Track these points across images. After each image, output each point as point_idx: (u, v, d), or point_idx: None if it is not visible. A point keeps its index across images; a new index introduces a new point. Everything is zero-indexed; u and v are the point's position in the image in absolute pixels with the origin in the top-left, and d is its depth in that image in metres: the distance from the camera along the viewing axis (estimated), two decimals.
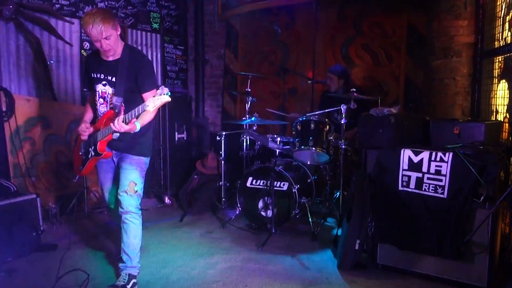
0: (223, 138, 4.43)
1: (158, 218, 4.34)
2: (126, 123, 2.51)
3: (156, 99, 2.35)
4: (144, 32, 5.57)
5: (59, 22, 4.48)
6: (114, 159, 2.87)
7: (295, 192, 3.75)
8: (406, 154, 2.87)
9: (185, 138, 5.05)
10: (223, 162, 4.52)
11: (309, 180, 4.09)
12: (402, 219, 2.89)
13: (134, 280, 2.75)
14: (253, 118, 4.26)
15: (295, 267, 3.13)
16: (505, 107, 3.19)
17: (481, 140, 2.80)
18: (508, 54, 3.13)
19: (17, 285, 2.83)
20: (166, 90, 2.35)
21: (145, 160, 2.86)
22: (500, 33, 3.36)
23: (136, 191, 2.74)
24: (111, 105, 2.73)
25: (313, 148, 3.78)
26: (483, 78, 3.68)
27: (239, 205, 4.06)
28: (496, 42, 3.44)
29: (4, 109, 3.92)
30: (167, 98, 2.35)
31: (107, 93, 2.76)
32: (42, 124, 4.24)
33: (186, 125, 5.11)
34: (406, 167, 2.87)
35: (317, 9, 5.20)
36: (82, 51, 4.71)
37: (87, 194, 4.36)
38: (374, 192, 3.00)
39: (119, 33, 2.66)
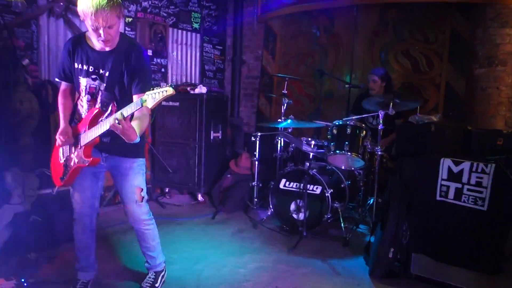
0: (258, 138, 4.47)
1: (191, 215, 4.42)
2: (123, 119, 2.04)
3: (155, 93, 1.94)
4: (184, 32, 5.69)
5: None
6: (103, 163, 2.47)
7: (328, 196, 3.74)
8: (446, 163, 2.81)
9: (220, 137, 5.11)
10: (256, 162, 4.55)
11: (342, 185, 4.06)
12: (438, 230, 2.83)
13: (162, 274, 2.75)
14: (288, 121, 4.27)
15: (326, 271, 3.12)
16: None
17: None
18: None
19: (57, 272, 2.96)
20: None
21: (143, 161, 2.56)
22: None
23: (143, 197, 2.52)
24: (98, 103, 2.35)
25: (349, 153, 3.75)
26: None
27: (271, 206, 4.08)
28: None
29: (50, 102, 4.10)
30: (170, 91, 1.94)
31: (96, 88, 2.34)
32: None
33: (222, 124, 5.17)
34: (445, 177, 2.81)
35: (358, 13, 5.16)
36: None
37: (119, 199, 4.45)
38: (410, 201, 2.96)
39: (121, 22, 2.33)
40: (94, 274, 2.71)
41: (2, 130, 3.57)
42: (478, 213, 2.68)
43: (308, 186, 3.80)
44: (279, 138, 4.47)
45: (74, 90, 2.46)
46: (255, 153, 4.54)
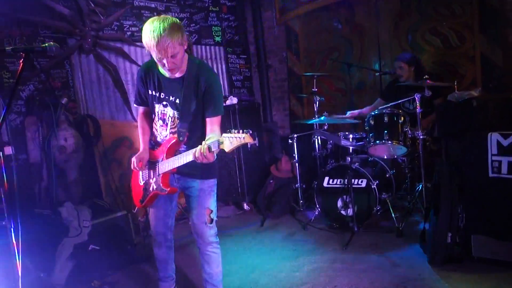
0: (295, 140, 4.46)
1: (240, 225, 4.46)
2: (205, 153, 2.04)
3: (233, 137, 1.91)
4: (207, 47, 5.78)
5: (131, 47, 4.82)
6: (176, 183, 2.49)
7: (374, 188, 3.67)
8: (494, 138, 2.69)
9: (257, 144, 5.12)
10: (297, 164, 4.54)
11: (387, 175, 3.98)
12: (496, 208, 2.72)
13: None
14: (322, 118, 4.23)
15: (384, 264, 3.05)
16: None
17: None
18: None
19: None
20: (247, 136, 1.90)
21: (215, 181, 2.52)
22: None
23: (212, 220, 2.46)
24: (174, 129, 2.37)
25: (389, 142, 3.67)
26: None
27: (317, 206, 4.05)
28: None
29: (92, 134, 4.28)
30: (248, 139, 1.90)
31: (167, 115, 2.38)
32: (125, 144, 4.55)
33: (257, 131, 5.17)
34: (495, 152, 2.70)
35: None
36: None
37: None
38: (461, 182, 2.85)
39: (186, 47, 2.23)
40: (173, 283, 2.78)
41: (52, 167, 3.77)
42: None
43: (353, 180, 3.74)
44: (316, 136, 4.44)
45: (151, 113, 2.51)
46: (294, 155, 4.54)
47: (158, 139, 2.48)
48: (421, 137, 3.62)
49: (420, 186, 3.82)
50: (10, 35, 3.86)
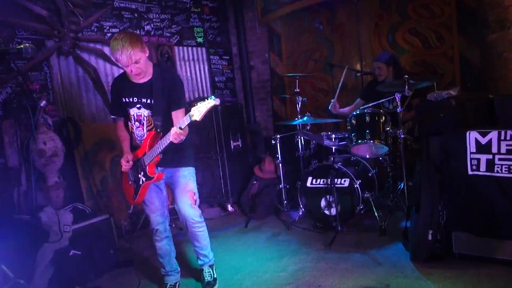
0: (278, 141, 4.46)
1: (224, 227, 4.44)
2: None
3: (200, 106, 2.33)
4: (190, 48, 5.75)
5: None
6: (163, 177, 2.84)
7: (357, 187, 3.70)
8: (472, 136, 2.74)
9: (240, 146, 5.13)
10: (280, 164, 4.55)
11: (370, 174, 4.02)
12: (475, 205, 2.77)
13: (214, 266, 3.04)
14: (305, 118, 4.25)
15: (367, 263, 3.08)
16: None
17: None
18: None
19: None
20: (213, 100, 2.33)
21: (193, 169, 2.93)
22: None
23: (196, 200, 2.85)
24: (150, 127, 2.73)
25: (371, 141, 3.71)
26: None
27: (301, 206, 4.06)
28: None
29: (72, 137, 4.21)
30: (212, 102, 2.32)
31: (142, 115, 2.74)
32: (107, 147, 4.49)
33: (240, 132, 5.19)
34: (474, 150, 2.74)
35: (358, 0, 5.11)
36: None
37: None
38: (441, 180, 2.89)
39: (147, 55, 2.62)
40: (179, 276, 3.05)
41: (31, 171, 3.69)
42: None
43: (336, 180, 3.76)
44: (299, 137, 4.46)
45: (127, 123, 2.87)
46: (277, 155, 4.54)
47: (137, 141, 2.82)
48: (402, 136, 3.66)
49: (402, 184, 3.86)
50: None
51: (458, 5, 4.53)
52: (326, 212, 3.87)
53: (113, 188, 4.52)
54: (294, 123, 4.35)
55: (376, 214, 3.75)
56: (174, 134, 2.44)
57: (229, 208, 5.00)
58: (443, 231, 2.90)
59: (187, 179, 2.82)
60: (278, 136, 4.48)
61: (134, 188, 2.82)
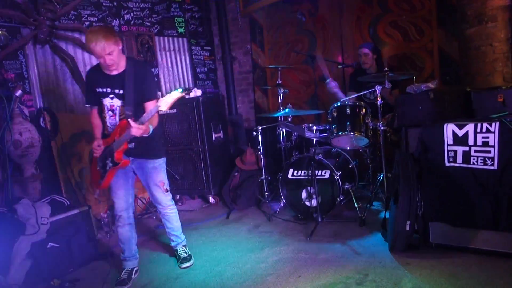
0: (259, 132, 4.46)
1: (205, 218, 4.43)
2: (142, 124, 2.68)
3: (167, 97, 2.56)
4: (170, 38, 5.68)
5: None
6: (131, 165, 3.03)
7: (337, 179, 3.73)
8: (450, 128, 2.79)
9: (222, 137, 5.11)
10: (262, 156, 4.55)
11: (350, 166, 4.05)
12: (452, 196, 2.82)
13: (186, 245, 3.34)
14: (287, 110, 4.25)
15: (347, 253, 3.12)
16: None
17: None
18: None
19: None
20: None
21: (164, 160, 3.13)
22: None
23: (167, 189, 3.11)
24: (123, 116, 2.86)
25: (351, 133, 3.74)
26: None
27: (282, 198, 4.08)
28: None
29: (49, 128, 4.12)
30: (177, 94, 2.56)
31: (115, 105, 2.90)
32: (86, 138, 4.41)
33: (222, 124, 5.17)
34: (451, 142, 2.79)
35: None
36: None
37: (135, 201, 4.51)
38: (419, 171, 2.94)
39: (120, 47, 2.78)
40: (136, 262, 3.18)
41: (6, 163, 3.60)
42: (490, 173, 2.66)
43: (316, 172, 3.79)
44: (281, 128, 4.46)
45: (101, 111, 2.98)
46: (258, 147, 4.54)
47: (109, 129, 2.96)
48: (382, 128, 3.70)
49: (382, 176, 3.91)
50: None
51: None
52: (307, 203, 3.89)
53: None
54: (276, 115, 4.35)
55: (356, 205, 3.79)
56: (134, 128, 2.64)
57: (211, 199, 4.99)
58: (420, 221, 2.95)
59: (157, 171, 3.05)
60: (260, 127, 4.47)
61: (101, 173, 2.96)
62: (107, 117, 2.94)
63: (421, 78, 4.52)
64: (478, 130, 2.69)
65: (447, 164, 2.82)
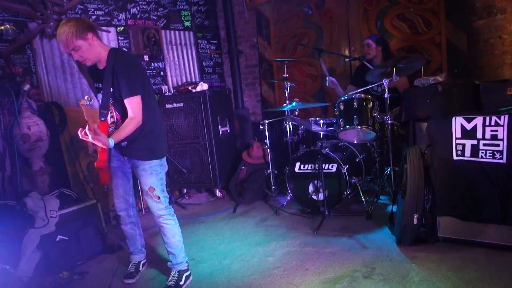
0: (266, 126, 4.46)
1: (212, 212, 4.45)
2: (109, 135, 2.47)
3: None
4: (177, 32, 5.66)
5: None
6: (128, 164, 2.81)
7: (344, 172, 3.73)
8: (458, 122, 2.77)
9: (228, 131, 5.12)
10: (268, 150, 4.55)
11: (357, 159, 4.05)
12: (460, 189, 2.81)
13: (186, 274, 2.83)
14: (293, 103, 4.24)
15: (354, 247, 3.12)
16: None
17: None
18: None
19: (91, 286, 3.02)
20: None
21: (158, 162, 2.74)
22: None
23: (159, 196, 2.72)
24: (112, 115, 2.69)
25: (359, 127, 3.72)
26: None
27: (289, 191, 4.08)
28: None
29: (57, 122, 4.14)
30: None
31: None
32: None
33: (228, 118, 5.17)
34: (459, 135, 2.78)
35: None
36: None
37: (142, 194, 4.53)
38: (427, 165, 2.93)
39: (92, 40, 2.51)
40: (144, 256, 3.14)
41: (15, 156, 3.63)
42: (498, 167, 2.65)
43: (323, 165, 3.79)
44: (287, 122, 4.46)
45: None
46: (265, 141, 4.54)
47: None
48: (389, 121, 3.68)
49: (389, 169, 3.90)
50: None
51: None
52: (314, 197, 3.90)
53: None
54: (283, 109, 4.34)
55: (363, 198, 3.79)
56: (92, 135, 2.31)
57: (218, 193, 5.01)
58: (428, 215, 2.94)
59: (147, 174, 2.70)
60: (267, 121, 4.47)
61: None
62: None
63: (429, 71, 4.49)
64: (487, 123, 2.67)
65: (455, 157, 2.81)
